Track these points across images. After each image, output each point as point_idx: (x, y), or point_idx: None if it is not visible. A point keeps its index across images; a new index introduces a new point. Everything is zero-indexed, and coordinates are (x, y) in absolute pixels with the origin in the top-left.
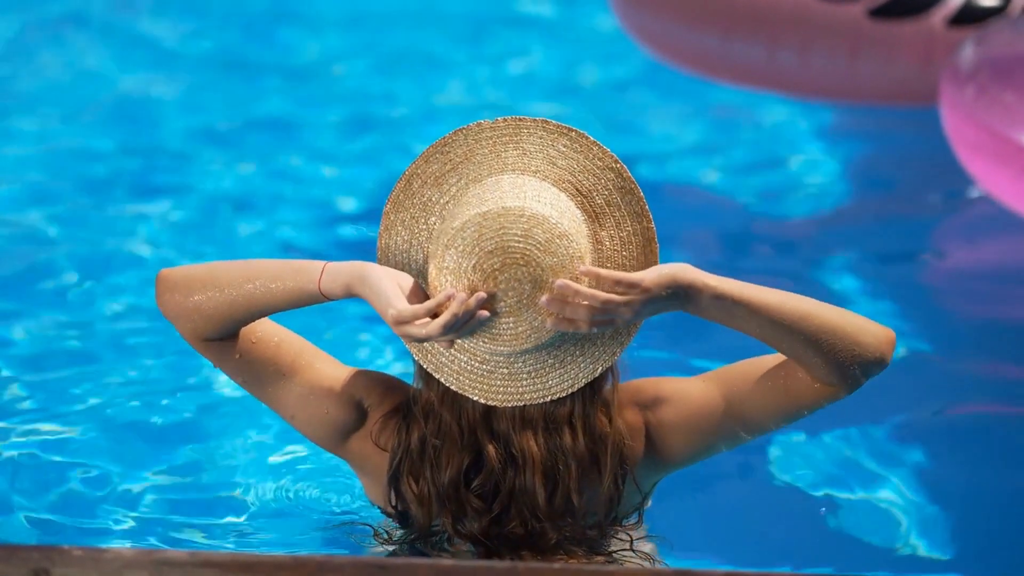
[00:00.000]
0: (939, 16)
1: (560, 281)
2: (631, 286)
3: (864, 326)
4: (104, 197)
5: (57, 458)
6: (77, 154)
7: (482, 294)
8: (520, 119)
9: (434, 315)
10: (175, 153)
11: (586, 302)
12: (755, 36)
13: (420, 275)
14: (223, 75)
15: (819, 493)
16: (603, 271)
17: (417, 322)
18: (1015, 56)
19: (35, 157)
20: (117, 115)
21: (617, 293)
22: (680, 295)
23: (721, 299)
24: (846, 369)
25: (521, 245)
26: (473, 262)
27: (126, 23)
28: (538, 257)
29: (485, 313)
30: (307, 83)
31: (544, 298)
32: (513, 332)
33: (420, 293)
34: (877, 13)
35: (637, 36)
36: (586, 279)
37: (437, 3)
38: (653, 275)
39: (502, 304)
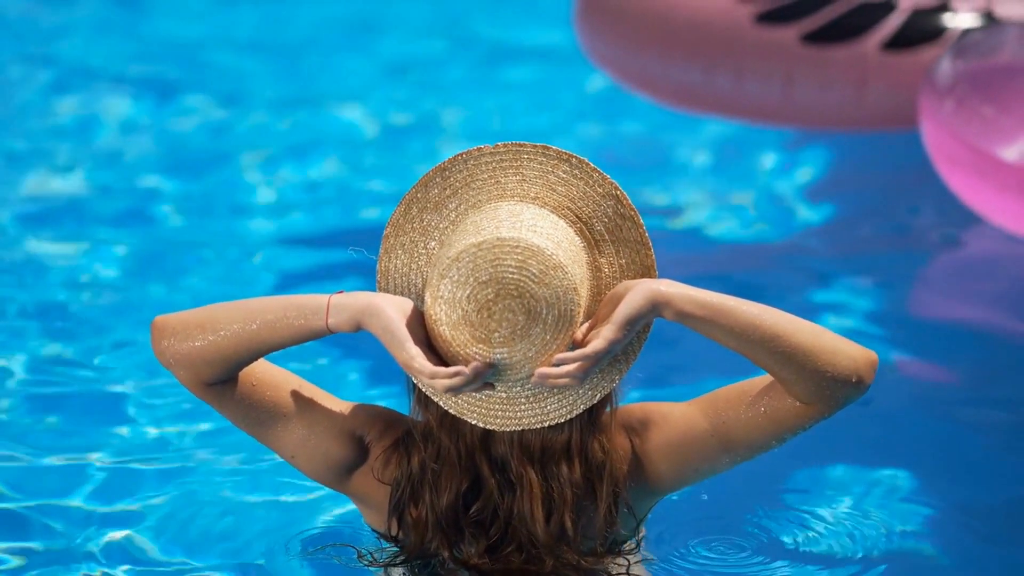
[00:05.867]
0: (873, 41)
1: (540, 370)
2: (601, 350)
3: (841, 347)
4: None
5: (35, 502)
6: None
7: (485, 365)
8: (520, 145)
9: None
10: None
11: (567, 379)
12: (692, 59)
13: (419, 299)
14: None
15: (814, 510)
16: (576, 358)
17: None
18: (993, 69)
19: None
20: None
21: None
22: (652, 315)
23: (687, 318)
24: (822, 389)
25: (515, 276)
26: (467, 292)
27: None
28: (532, 288)
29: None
30: (306, 106)
31: (532, 379)
32: (508, 362)
33: (419, 319)
34: (811, 37)
35: (594, 60)
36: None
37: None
38: (616, 328)
39: (496, 335)
